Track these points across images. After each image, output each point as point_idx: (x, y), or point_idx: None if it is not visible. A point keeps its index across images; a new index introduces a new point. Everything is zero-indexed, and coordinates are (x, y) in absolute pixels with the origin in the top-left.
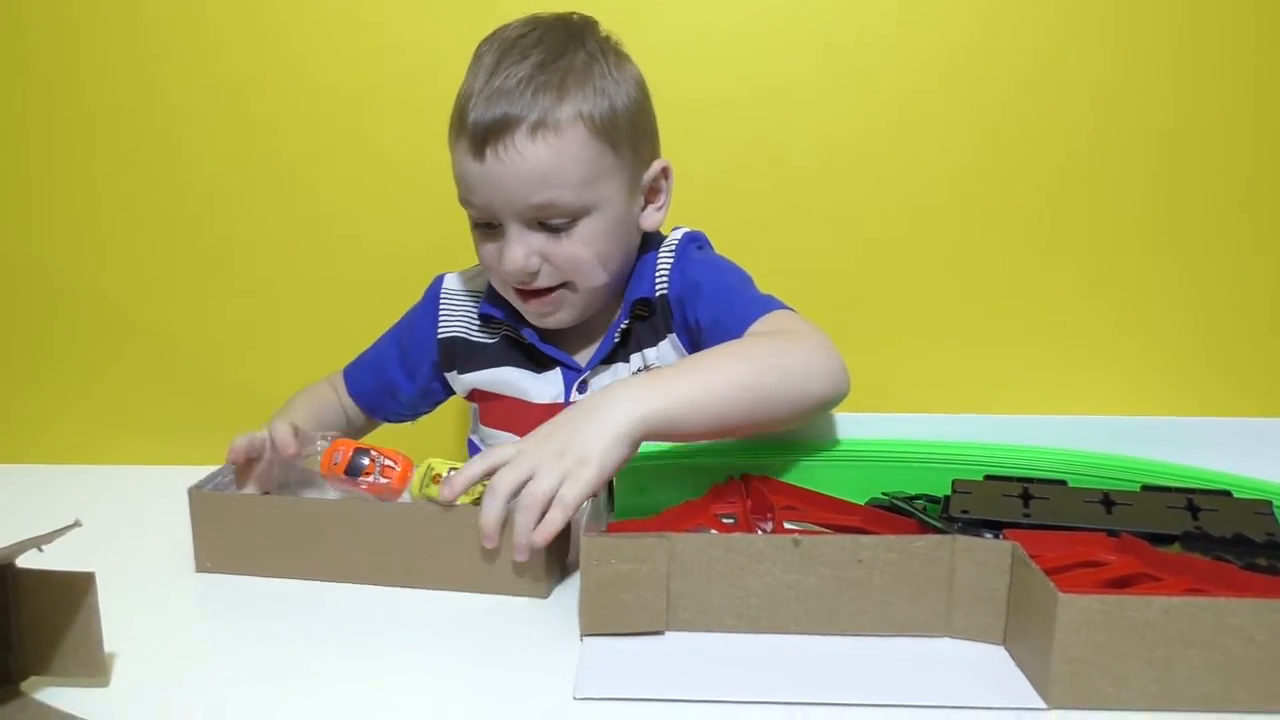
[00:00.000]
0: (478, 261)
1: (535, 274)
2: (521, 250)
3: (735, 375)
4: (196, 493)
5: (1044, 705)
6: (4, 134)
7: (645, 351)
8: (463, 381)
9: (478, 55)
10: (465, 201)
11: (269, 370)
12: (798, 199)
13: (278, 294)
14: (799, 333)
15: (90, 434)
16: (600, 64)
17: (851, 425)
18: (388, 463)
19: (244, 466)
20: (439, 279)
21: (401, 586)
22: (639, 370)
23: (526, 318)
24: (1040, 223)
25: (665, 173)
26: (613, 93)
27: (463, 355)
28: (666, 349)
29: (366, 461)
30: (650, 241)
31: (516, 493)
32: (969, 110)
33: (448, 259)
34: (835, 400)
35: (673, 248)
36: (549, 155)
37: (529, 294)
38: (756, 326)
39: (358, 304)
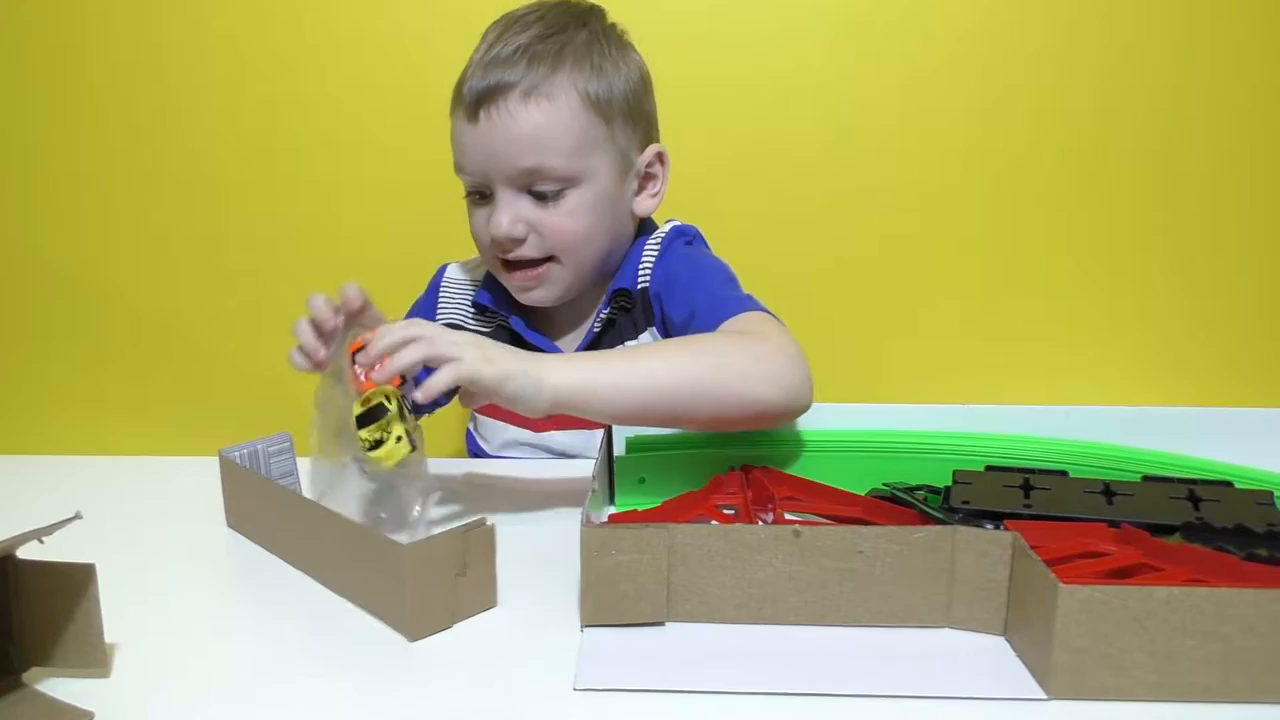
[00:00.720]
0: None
1: (521, 242)
2: (508, 216)
3: (672, 364)
4: (224, 459)
5: (1044, 696)
6: (7, 125)
7: (627, 343)
8: None
9: (483, 35)
10: (458, 168)
11: (272, 362)
12: (799, 188)
13: (281, 284)
14: (763, 335)
15: (92, 424)
16: (600, 44)
17: (852, 416)
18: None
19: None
20: (442, 268)
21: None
22: None
23: (514, 294)
24: (1043, 213)
25: (661, 158)
26: (609, 71)
27: None
28: (646, 341)
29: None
30: (643, 231)
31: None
32: (971, 100)
33: (453, 250)
34: (789, 409)
35: (659, 240)
36: (540, 119)
37: (514, 266)
38: (727, 325)
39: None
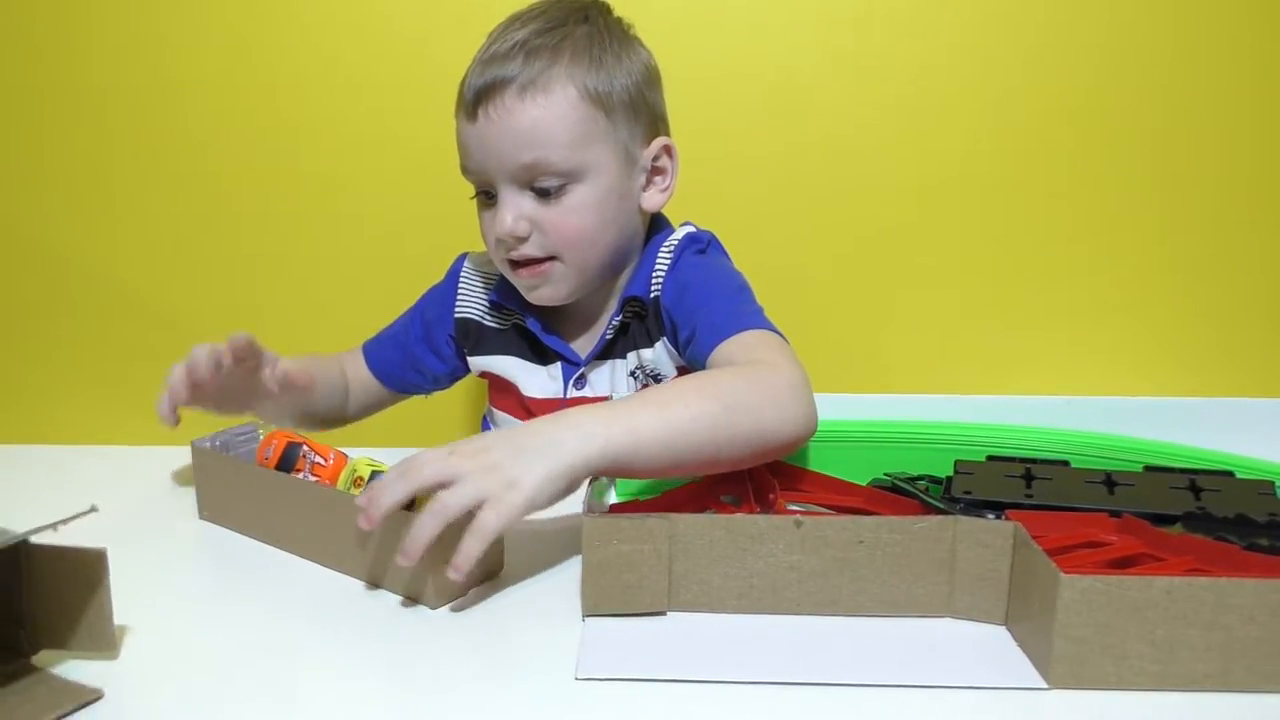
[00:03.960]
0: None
1: (524, 240)
2: (511, 213)
3: (700, 414)
4: (197, 448)
5: (1045, 685)
6: (16, 117)
7: (641, 351)
8: (473, 362)
9: (489, 34)
10: (463, 169)
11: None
12: (797, 179)
13: (288, 275)
14: (774, 367)
15: (101, 413)
16: (602, 38)
17: (854, 406)
18: (318, 460)
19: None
20: (461, 257)
21: (328, 568)
22: (634, 370)
23: (524, 293)
24: (1044, 203)
25: (668, 151)
26: (610, 65)
27: (474, 336)
28: (660, 351)
29: (299, 456)
30: (656, 229)
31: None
32: (972, 90)
33: (461, 244)
34: (800, 442)
35: (672, 248)
36: (537, 114)
37: (519, 264)
38: (732, 346)
39: (369, 286)
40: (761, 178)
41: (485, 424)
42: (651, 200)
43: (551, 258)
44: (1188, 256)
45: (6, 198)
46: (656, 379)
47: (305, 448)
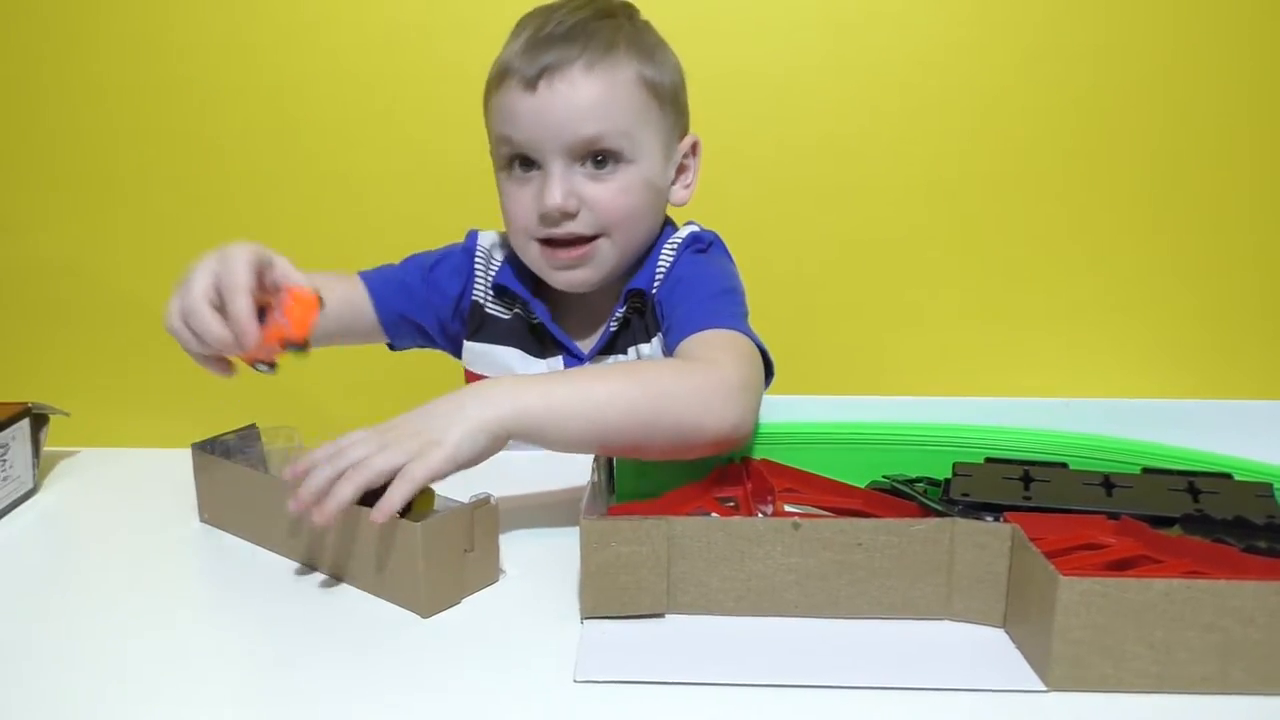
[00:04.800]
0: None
1: (572, 216)
2: (562, 188)
3: (618, 395)
4: (197, 451)
5: (1044, 687)
6: (14, 119)
7: (640, 347)
8: (469, 348)
9: (519, 24)
10: (503, 139)
11: (284, 358)
12: (797, 181)
13: None
14: (717, 364)
15: (101, 416)
16: (650, 34)
17: (852, 408)
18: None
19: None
20: (474, 234)
21: (325, 574)
22: None
23: (548, 277)
24: (1043, 206)
25: (695, 148)
26: (660, 58)
27: (476, 321)
28: (656, 348)
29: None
30: (665, 229)
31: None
32: (971, 92)
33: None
34: (727, 443)
35: (676, 245)
36: (603, 89)
37: (558, 245)
38: (694, 341)
39: None
40: (759, 181)
41: None
42: (678, 196)
43: (596, 236)
44: (1186, 259)
45: (6, 200)
46: None
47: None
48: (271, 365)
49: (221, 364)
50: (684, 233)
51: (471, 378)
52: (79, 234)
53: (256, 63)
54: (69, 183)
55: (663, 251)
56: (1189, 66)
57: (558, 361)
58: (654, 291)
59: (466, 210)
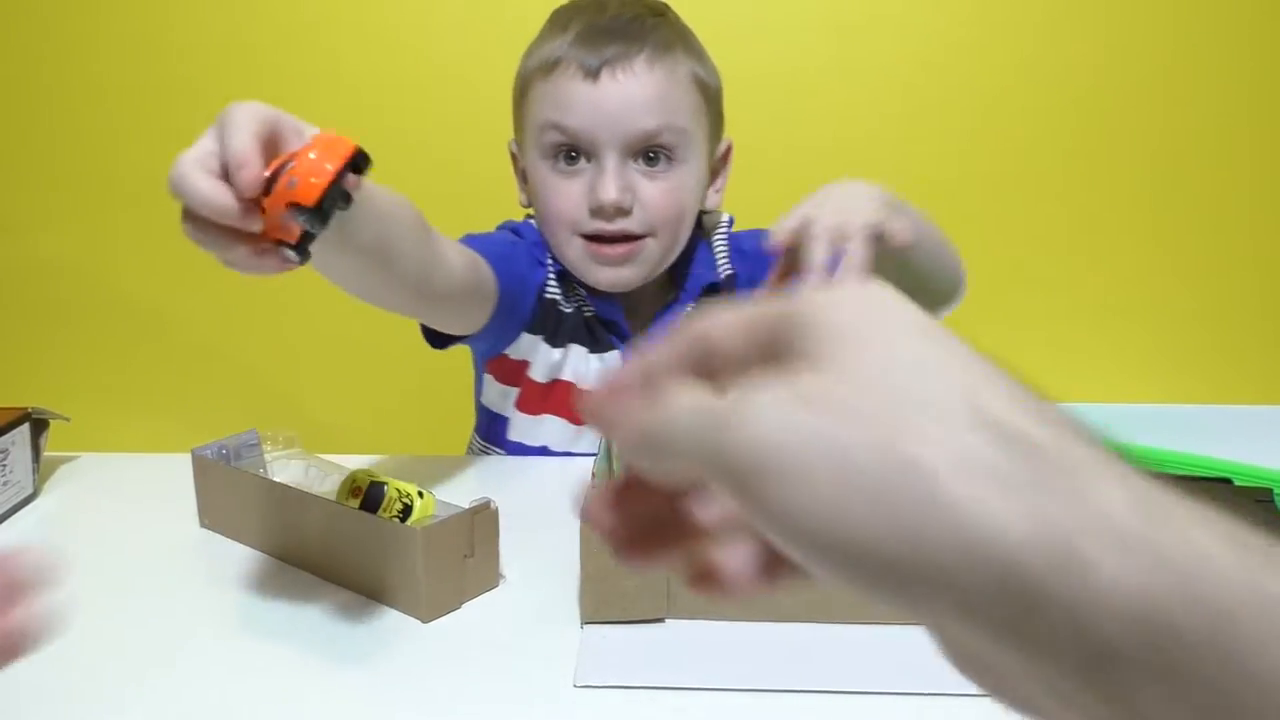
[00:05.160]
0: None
1: (626, 213)
2: (618, 183)
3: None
4: (197, 456)
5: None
6: (16, 122)
7: None
8: (530, 342)
9: (561, 18)
10: (553, 126)
11: (284, 363)
12: (796, 185)
13: (290, 282)
14: None
15: (100, 420)
16: (691, 36)
17: None
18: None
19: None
20: (525, 224)
21: (325, 580)
22: None
23: (588, 274)
24: (1043, 209)
25: (727, 153)
26: (708, 63)
27: (545, 314)
28: None
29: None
30: (699, 227)
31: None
32: (970, 95)
33: None
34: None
35: (724, 232)
36: (666, 83)
37: (607, 240)
38: None
39: None
40: (757, 184)
41: (481, 410)
42: (710, 199)
43: (644, 235)
44: (1186, 262)
45: (6, 201)
46: None
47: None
48: (296, 248)
49: (229, 241)
50: (723, 218)
51: (501, 367)
52: (79, 236)
53: (257, 63)
54: (69, 184)
55: (715, 241)
56: (1189, 69)
57: (613, 355)
58: (724, 274)
59: (466, 212)
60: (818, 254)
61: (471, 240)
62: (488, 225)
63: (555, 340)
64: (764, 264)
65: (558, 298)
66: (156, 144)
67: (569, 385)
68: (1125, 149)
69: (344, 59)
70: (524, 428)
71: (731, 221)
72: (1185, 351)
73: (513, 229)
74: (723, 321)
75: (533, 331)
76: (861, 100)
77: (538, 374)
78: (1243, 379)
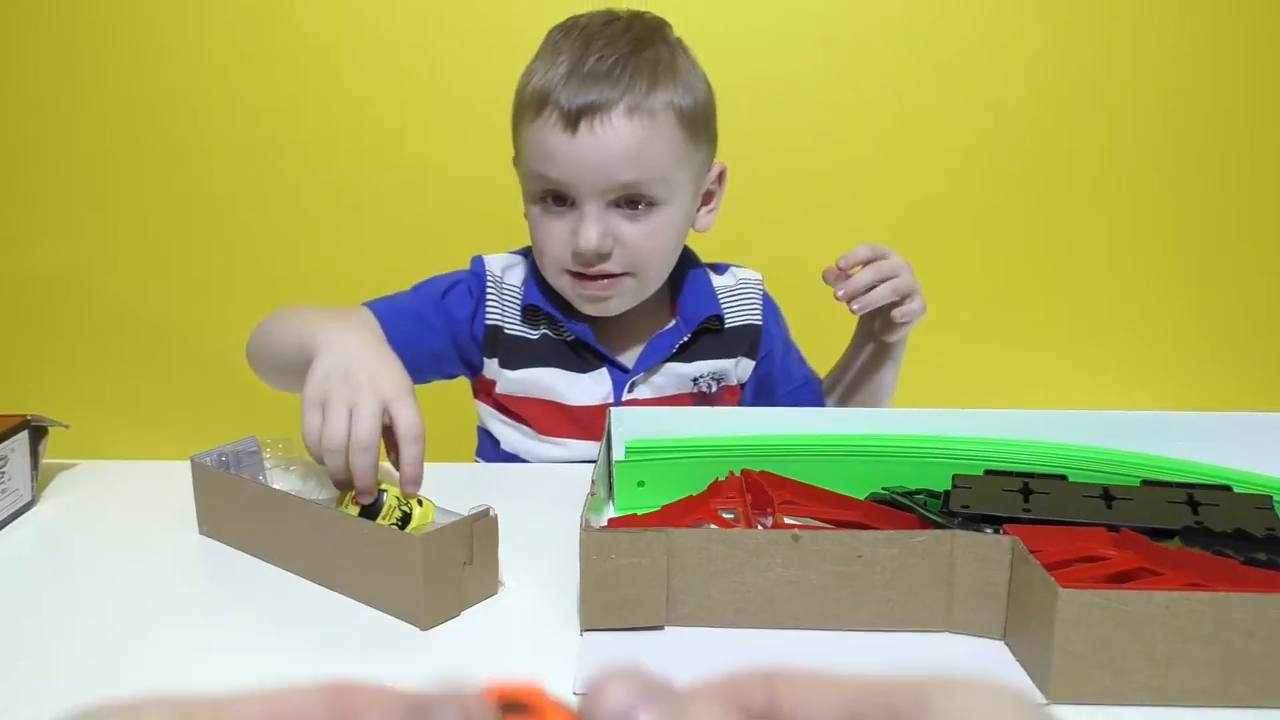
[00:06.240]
0: (517, 248)
1: (606, 257)
2: (598, 230)
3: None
4: (196, 463)
5: (1044, 700)
6: (15, 127)
7: (714, 361)
8: (505, 377)
9: (553, 41)
10: (538, 175)
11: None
12: (794, 192)
13: (290, 289)
14: None
15: (100, 428)
16: (682, 58)
17: (851, 420)
18: None
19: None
20: (480, 260)
21: (325, 587)
22: (699, 377)
23: (577, 304)
24: (1042, 218)
25: (722, 176)
26: (695, 86)
27: (504, 347)
28: (736, 366)
29: None
30: (687, 256)
31: None
32: (968, 105)
33: (470, 254)
34: None
35: (754, 286)
36: (643, 136)
37: (590, 277)
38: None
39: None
40: (755, 192)
41: (482, 435)
42: (703, 222)
43: (624, 274)
44: (1186, 271)
45: (4, 212)
46: (719, 382)
47: None
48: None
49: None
50: (751, 275)
51: (507, 404)
52: (78, 246)
53: (255, 76)
54: (68, 195)
55: (714, 282)
56: (1188, 79)
57: (602, 375)
58: (750, 322)
59: (465, 219)
60: (864, 276)
61: (379, 305)
62: (489, 230)
63: (513, 364)
64: (785, 340)
65: (501, 324)
66: (155, 156)
67: (548, 404)
68: (1123, 161)
69: (343, 72)
70: (505, 440)
71: (760, 279)
72: (1184, 358)
73: (473, 265)
74: (803, 683)
75: (509, 367)
76: (855, 111)
77: (502, 390)
78: (1242, 385)
